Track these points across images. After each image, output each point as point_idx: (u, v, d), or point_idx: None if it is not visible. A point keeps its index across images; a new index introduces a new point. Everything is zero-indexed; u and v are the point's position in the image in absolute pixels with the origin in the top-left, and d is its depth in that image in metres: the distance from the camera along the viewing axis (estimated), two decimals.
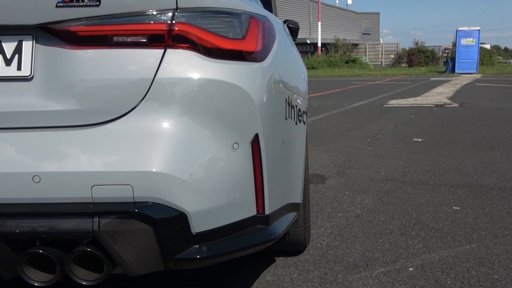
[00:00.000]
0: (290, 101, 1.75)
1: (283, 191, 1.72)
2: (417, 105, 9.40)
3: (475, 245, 2.41)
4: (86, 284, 1.40)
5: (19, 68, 1.38)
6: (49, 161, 1.34)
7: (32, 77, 1.38)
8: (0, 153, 1.36)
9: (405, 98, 11.06)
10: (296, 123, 1.83)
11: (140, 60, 1.38)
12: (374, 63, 36.58)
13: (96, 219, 1.34)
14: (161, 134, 1.37)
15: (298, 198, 1.90)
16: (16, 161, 1.35)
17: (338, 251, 2.36)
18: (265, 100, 1.52)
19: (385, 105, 9.44)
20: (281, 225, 1.68)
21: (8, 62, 1.38)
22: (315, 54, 33.46)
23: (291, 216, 1.81)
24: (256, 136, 1.50)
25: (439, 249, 2.36)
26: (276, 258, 2.28)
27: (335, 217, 2.86)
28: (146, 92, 1.38)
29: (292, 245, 2.19)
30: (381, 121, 7.10)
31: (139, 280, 2.06)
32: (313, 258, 2.28)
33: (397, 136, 5.77)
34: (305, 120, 2.00)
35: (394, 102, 10.00)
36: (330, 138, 5.72)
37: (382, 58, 39.59)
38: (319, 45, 33.34)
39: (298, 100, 1.89)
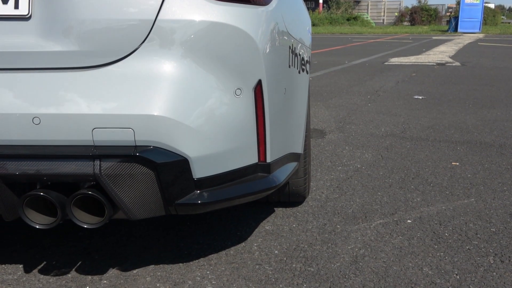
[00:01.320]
0: (294, 49, 1.72)
1: (284, 140, 1.70)
2: (419, 63, 9.30)
3: (473, 199, 2.42)
4: (87, 227, 1.40)
5: (16, 6, 1.33)
6: (49, 102, 1.32)
7: (30, 16, 1.34)
8: None
9: (407, 56, 10.93)
10: (299, 72, 1.80)
11: (141, 0, 1.34)
12: (376, 21, 35.98)
13: (97, 162, 1.33)
14: (163, 77, 1.35)
15: (299, 148, 1.89)
16: (15, 102, 1.33)
17: (337, 203, 2.37)
18: (268, 45, 1.49)
19: (386, 63, 9.34)
20: (282, 174, 1.68)
21: (5, 0, 1.33)
22: (316, 10, 32.87)
23: (292, 166, 1.81)
24: (259, 83, 1.47)
25: (437, 203, 2.38)
26: (275, 208, 2.29)
27: (334, 170, 2.87)
28: (148, 34, 1.34)
29: (291, 196, 2.20)
30: (382, 79, 7.04)
31: (139, 225, 2.08)
32: (312, 210, 2.29)
33: (397, 93, 5.73)
34: (308, 69, 1.97)
35: (395, 60, 9.89)
36: (330, 94, 5.68)
37: (384, 16, 38.92)
38: (321, 1, 32.71)
39: (302, 49, 1.85)
